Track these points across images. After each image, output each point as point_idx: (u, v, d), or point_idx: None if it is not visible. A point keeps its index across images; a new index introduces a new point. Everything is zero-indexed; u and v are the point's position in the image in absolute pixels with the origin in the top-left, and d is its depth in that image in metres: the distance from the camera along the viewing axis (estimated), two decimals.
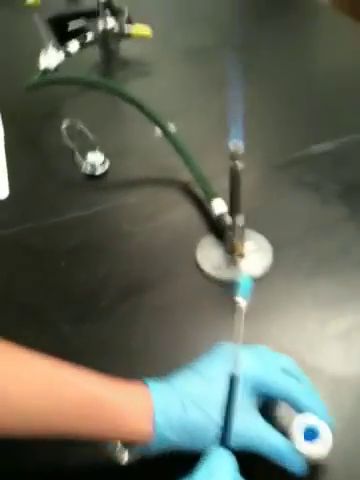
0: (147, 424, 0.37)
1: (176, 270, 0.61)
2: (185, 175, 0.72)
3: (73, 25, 1.04)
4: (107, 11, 1.08)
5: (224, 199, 0.64)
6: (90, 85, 0.76)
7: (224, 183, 0.58)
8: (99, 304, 0.58)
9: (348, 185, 0.70)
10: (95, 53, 1.09)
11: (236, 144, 0.52)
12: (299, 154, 0.77)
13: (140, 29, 1.08)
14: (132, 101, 0.77)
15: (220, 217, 0.63)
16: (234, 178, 0.55)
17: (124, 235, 0.67)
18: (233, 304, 0.34)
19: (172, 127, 0.81)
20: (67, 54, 1.01)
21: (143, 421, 0.37)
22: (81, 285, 0.60)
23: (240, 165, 0.53)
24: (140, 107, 0.76)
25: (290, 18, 1.28)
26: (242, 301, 0.34)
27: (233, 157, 0.53)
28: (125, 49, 1.10)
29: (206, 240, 0.64)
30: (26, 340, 0.39)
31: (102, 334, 0.54)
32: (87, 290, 0.59)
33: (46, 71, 0.95)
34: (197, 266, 0.61)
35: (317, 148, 0.77)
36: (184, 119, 0.84)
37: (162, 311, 0.56)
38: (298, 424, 0.38)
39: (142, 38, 1.07)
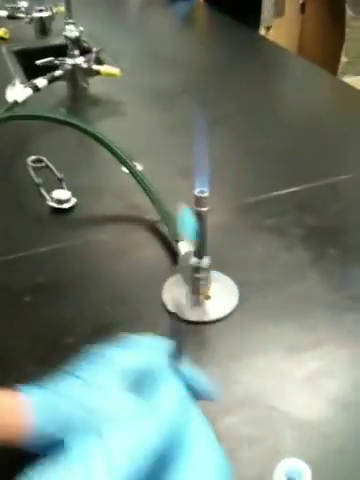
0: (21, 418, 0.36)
1: (143, 310, 0.60)
2: (153, 214, 0.72)
3: (41, 61, 1.05)
4: (76, 48, 1.09)
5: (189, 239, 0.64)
6: (57, 122, 0.76)
7: None
8: (65, 342, 0.56)
9: (311, 230, 0.71)
10: (63, 88, 1.10)
11: (201, 191, 0.53)
12: (263, 197, 0.78)
13: (109, 68, 1.09)
14: (99, 139, 0.77)
15: (185, 256, 0.64)
16: (200, 223, 0.56)
17: (91, 273, 0.66)
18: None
19: (139, 166, 0.82)
20: (35, 89, 1.01)
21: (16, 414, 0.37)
22: (46, 324, 0.59)
23: (205, 210, 0.54)
24: (107, 146, 0.77)
25: (256, 63, 1.34)
26: None
27: (198, 204, 0.54)
28: (93, 86, 1.11)
29: (173, 280, 0.64)
30: None
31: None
32: (52, 330, 0.58)
33: (13, 105, 0.95)
34: (164, 306, 0.61)
35: (281, 193, 0.79)
36: (151, 159, 0.86)
37: None
38: (280, 471, 0.38)
39: (110, 77, 1.09)
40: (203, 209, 0.54)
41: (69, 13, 1.11)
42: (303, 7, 2.69)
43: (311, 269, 0.65)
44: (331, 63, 2.81)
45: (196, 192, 0.54)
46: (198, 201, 0.54)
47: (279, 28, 2.88)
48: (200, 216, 0.55)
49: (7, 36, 1.44)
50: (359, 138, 0.96)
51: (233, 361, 0.54)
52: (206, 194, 0.53)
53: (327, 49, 2.86)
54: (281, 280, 0.64)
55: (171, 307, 0.60)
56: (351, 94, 1.13)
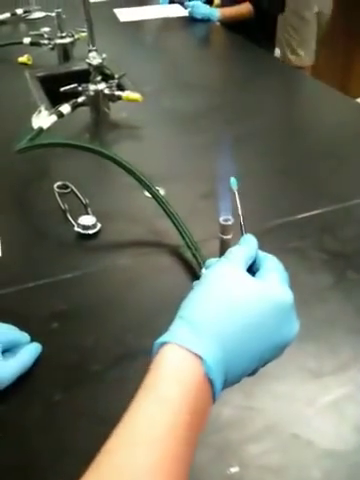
0: None
1: None
2: (176, 238, 0.73)
3: (65, 88, 1.08)
4: (98, 75, 1.12)
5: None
6: (81, 149, 0.78)
7: (214, 247, 0.59)
8: (90, 369, 0.57)
9: (333, 254, 0.72)
10: (87, 114, 1.13)
11: (226, 220, 0.54)
12: (286, 220, 0.80)
13: (130, 93, 1.12)
14: (122, 165, 0.79)
15: None
16: (224, 249, 0.57)
17: (114, 299, 0.67)
18: None
19: (162, 191, 0.84)
20: (59, 115, 1.04)
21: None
22: (70, 351, 0.60)
23: (230, 238, 0.55)
24: (130, 171, 0.79)
25: (273, 85, 1.35)
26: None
27: (223, 231, 0.55)
28: (116, 112, 1.14)
29: None
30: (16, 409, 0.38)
31: (93, 402, 0.54)
32: (77, 355, 0.59)
33: (39, 132, 0.97)
34: None
35: (304, 216, 0.80)
36: (173, 183, 0.87)
37: None
38: None
39: (132, 101, 1.12)
40: (228, 237, 0.55)
41: (92, 40, 1.14)
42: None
43: (333, 292, 0.66)
44: (346, 84, 2.83)
45: (221, 220, 0.55)
46: (223, 229, 0.55)
47: None
48: (225, 244, 0.56)
49: (31, 62, 1.48)
50: None
51: (255, 386, 0.54)
52: (231, 222, 0.54)
53: (339, 61, 2.89)
54: (303, 303, 0.65)
55: None
56: None
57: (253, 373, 0.40)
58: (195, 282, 0.43)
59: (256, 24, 1.98)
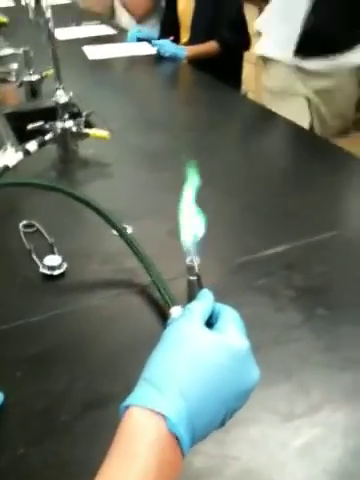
0: None
1: (136, 380, 0.60)
2: (145, 277, 0.73)
3: (32, 126, 1.07)
4: (66, 112, 1.12)
5: (183, 302, 0.64)
6: (47, 189, 0.77)
7: (183, 285, 0.58)
8: (58, 419, 0.55)
9: (302, 290, 0.72)
10: (54, 152, 1.12)
11: (192, 259, 0.54)
12: (253, 257, 0.80)
13: (98, 131, 1.12)
14: (88, 204, 0.78)
15: None
16: (191, 290, 0.56)
17: (82, 341, 0.66)
18: None
19: (129, 229, 0.83)
20: (26, 153, 1.03)
21: None
22: (39, 398, 0.58)
23: (197, 278, 0.55)
24: (96, 210, 0.78)
25: (238, 122, 1.38)
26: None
27: (190, 272, 0.54)
28: (83, 149, 1.14)
29: None
30: None
31: (61, 454, 0.52)
32: (45, 403, 0.57)
33: (4, 170, 0.96)
34: None
35: (270, 252, 0.80)
36: (141, 220, 0.87)
37: None
38: None
39: (100, 139, 1.12)
40: (194, 278, 0.55)
41: (58, 78, 1.15)
42: None
43: (301, 331, 0.66)
44: None
45: (187, 261, 0.54)
46: (190, 270, 0.54)
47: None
48: (192, 284, 0.55)
49: None
50: (341, 194, 0.99)
51: (226, 433, 0.53)
52: (197, 261, 0.54)
53: None
54: (273, 342, 0.65)
55: None
56: (330, 150, 1.17)
57: (222, 424, 0.41)
58: (160, 340, 0.43)
59: (223, 61, 2.03)
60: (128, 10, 2.42)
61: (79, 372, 0.61)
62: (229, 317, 0.44)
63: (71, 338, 0.66)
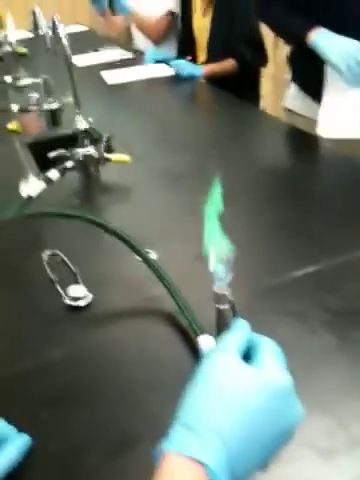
0: None
1: (166, 418, 0.57)
2: (171, 304, 0.70)
3: (53, 154, 1.07)
4: (86, 139, 1.12)
5: (211, 330, 0.62)
6: (70, 218, 0.76)
7: (210, 311, 0.56)
8: (85, 463, 0.53)
9: (334, 313, 0.69)
10: (76, 178, 1.12)
11: (220, 287, 0.51)
12: (282, 279, 0.77)
13: (119, 155, 1.12)
14: (111, 231, 0.77)
15: None
16: (220, 319, 0.54)
17: (108, 378, 0.63)
18: None
19: (153, 254, 0.82)
20: (48, 181, 1.03)
21: None
22: (63, 442, 0.56)
23: (227, 308, 0.52)
24: (120, 237, 0.76)
25: (260, 139, 1.36)
26: None
27: (218, 300, 0.52)
28: (105, 174, 1.13)
29: None
30: None
31: None
32: (70, 447, 0.55)
33: (28, 200, 0.96)
34: None
35: (301, 273, 0.77)
36: (165, 245, 0.85)
37: (154, 470, 0.52)
38: None
39: (121, 163, 1.11)
40: (224, 306, 0.52)
41: (77, 104, 1.15)
42: None
43: (338, 355, 0.63)
44: None
45: (215, 289, 0.52)
46: (218, 298, 0.52)
47: (278, 98, 2.98)
48: (221, 314, 0.53)
49: (19, 129, 1.49)
50: None
51: (262, 474, 0.50)
52: (226, 291, 0.52)
53: None
54: (307, 368, 0.61)
55: None
56: (354, 165, 1.14)
57: (265, 466, 0.39)
58: (194, 376, 0.41)
59: (240, 78, 2.03)
60: (144, 33, 2.44)
61: (104, 412, 0.58)
62: (268, 350, 0.42)
63: (96, 374, 0.64)
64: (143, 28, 2.43)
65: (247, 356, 0.42)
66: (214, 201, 0.48)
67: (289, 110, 1.57)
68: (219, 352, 0.41)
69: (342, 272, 0.77)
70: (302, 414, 0.39)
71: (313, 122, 1.36)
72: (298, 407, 0.39)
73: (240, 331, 0.43)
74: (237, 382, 0.38)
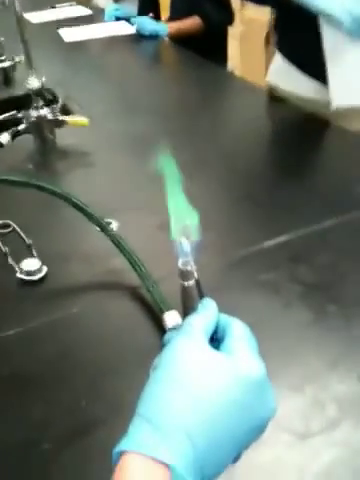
0: None
1: (128, 400, 0.52)
2: (133, 278, 0.65)
3: (3, 116, 0.99)
4: (40, 99, 1.03)
5: (178, 306, 0.57)
6: (22, 186, 0.69)
7: (175, 285, 0.51)
8: (40, 448, 0.48)
9: (309, 285, 0.65)
10: (30, 142, 1.04)
11: (185, 262, 0.46)
12: (253, 250, 0.72)
13: (76, 118, 1.04)
14: (69, 200, 0.70)
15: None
16: (186, 296, 0.49)
17: (64, 358, 0.58)
18: None
19: (113, 224, 0.76)
20: None
21: None
22: (17, 425, 0.50)
23: (192, 284, 0.47)
24: (76, 205, 0.70)
25: (226, 102, 1.30)
26: None
27: (183, 277, 0.47)
28: (61, 138, 1.05)
29: None
30: None
31: None
32: (24, 431, 0.50)
33: None
34: None
35: (273, 242, 0.73)
36: (126, 214, 0.80)
37: None
38: None
39: (79, 126, 1.04)
40: (189, 282, 0.47)
41: (30, 63, 1.05)
42: (267, 38, 2.72)
43: (312, 330, 0.59)
44: None
45: (180, 264, 0.47)
46: (183, 274, 0.47)
47: (245, 60, 2.90)
48: (187, 291, 0.48)
49: None
50: (343, 178, 0.91)
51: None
52: (191, 266, 0.46)
53: None
54: (279, 345, 0.57)
55: None
56: (328, 129, 1.09)
57: (236, 459, 0.34)
58: (153, 365, 0.35)
59: (206, 37, 1.94)
60: None
61: (60, 394, 0.53)
62: (239, 333, 0.37)
63: (51, 353, 0.58)
64: None
65: (214, 339, 0.38)
66: (170, 172, 0.42)
67: (272, 88, 1.29)
68: (183, 336, 0.36)
69: (316, 242, 0.73)
70: (275, 407, 0.35)
71: (300, 100, 1.18)
72: (272, 399, 0.35)
73: (207, 312, 0.39)
74: (205, 371, 0.33)
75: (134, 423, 0.33)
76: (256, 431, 0.34)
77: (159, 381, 0.34)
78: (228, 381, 0.33)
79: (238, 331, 0.37)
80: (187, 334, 0.36)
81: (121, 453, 0.32)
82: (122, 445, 0.32)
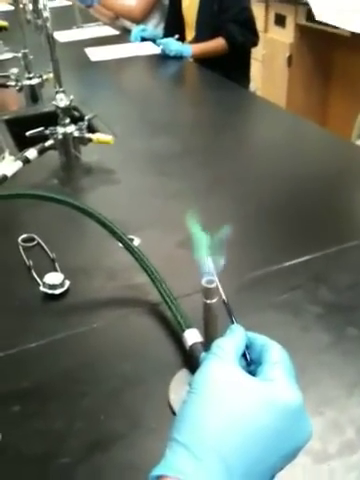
0: None
1: (147, 415, 0.53)
2: (154, 294, 0.66)
3: (31, 132, 1.01)
4: (67, 117, 1.06)
5: (198, 323, 0.57)
6: (46, 200, 0.71)
7: (196, 302, 0.51)
8: (58, 463, 0.49)
9: (329, 307, 0.65)
10: (55, 159, 1.06)
11: (209, 280, 0.46)
12: (273, 269, 0.73)
13: (101, 136, 1.06)
14: (92, 215, 0.72)
15: (194, 348, 0.57)
16: (209, 314, 0.49)
17: (84, 372, 0.59)
18: None
19: (136, 240, 0.77)
20: (25, 161, 0.97)
21: None
22: (36, 438, 0.51)
23: (215, 302, 0.48)
24: (100, 222, 0.71)
25: (248, 121, 1.31)
26: None
27: (206, 295, 0.47)
28: (86, 155, 1.08)
29: (180, 376, 0.57)
30: None
31: None
32: (43, 445, 0.51)
33: (2, 180, 0.90)
34: (171, 408, 0.54)
35: (293, 263, 0.73)
36: (148, 230, 0.81)
37: (132, 471, 0.48)
38: None
39: (104, 144, 1.06)
40: (212, 301, 0.48)
41: (58, 81, 1.08)
42: (290, 60, 2.74)
43: (332, 354, 0.59)
44: (319, 113, 2.84)
45: (203, 282, 0.47)
46: (206, 293, 0.47)
47: (267, 81, 2.93)
48: (209, 309, 0.49)
49: None
50: None
51: None
52: (215, 284, 0.47)
53: (314, 99, 2.90)
54: (298, 367, 0.57)
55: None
56: (350, 151, 1.09)
57: None
58: (187, 391, 0.36)
59: (230, 59, 1.96)
60: (125, 17, 2.33)
61: (80, 408, 0.54)
62: (276, 358, 0.37)
63: (72, 367, 0.59)
64: (124, 13, 2.31)
65: (248, 359, 0.39)
66: (199, 237, 0.44)
67: None
68: (216, 359, 0.36)
69: (337, 263, 0.73)
70: (311, 432, 0.36)
71: None
72: (308, 426, 0.35)
73: (235, 336, 0.40)
74: (240, 397, 0.34)
75: (171, 448, 0.34)
76: (290, 457, 0.35)
77: (193, 406, 0.34)
78: (266, 408, 0.33)
79: (276, 357, 0.37)
80: (218, 357, 0.37)
81: (159, 477, 0.33)
82: (159, 469, 0.33)
